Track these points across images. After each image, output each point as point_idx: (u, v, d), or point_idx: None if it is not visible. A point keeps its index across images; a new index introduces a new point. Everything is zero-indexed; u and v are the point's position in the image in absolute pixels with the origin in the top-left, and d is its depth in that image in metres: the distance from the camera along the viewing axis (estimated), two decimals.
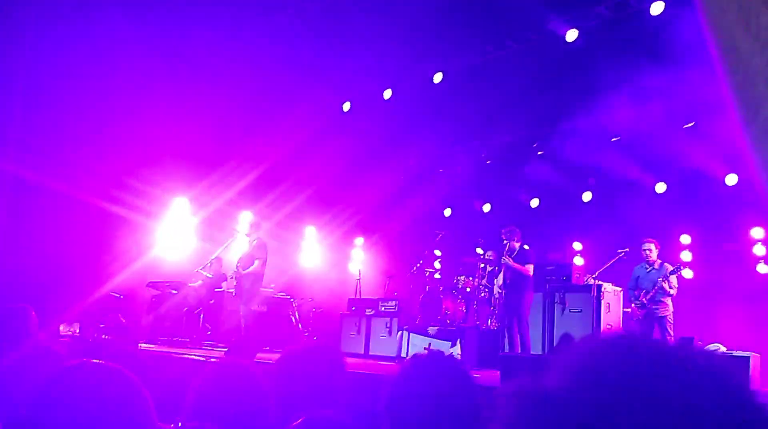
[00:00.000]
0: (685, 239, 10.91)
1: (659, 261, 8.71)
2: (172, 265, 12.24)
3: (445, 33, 10.36)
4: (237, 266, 9.95)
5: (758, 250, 10.19)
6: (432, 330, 10.04)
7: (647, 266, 8.70)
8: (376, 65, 11.39)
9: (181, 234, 12.81)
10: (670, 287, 8.38)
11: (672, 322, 8.42)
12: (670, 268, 8.48)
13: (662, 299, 8.43)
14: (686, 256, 10.66)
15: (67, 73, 9.92)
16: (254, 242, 10.04)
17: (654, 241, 8.81)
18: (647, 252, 8.69)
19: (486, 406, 2.12)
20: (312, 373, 2.52)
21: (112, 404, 1.52)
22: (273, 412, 2.40)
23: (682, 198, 10.93)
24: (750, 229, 10.25)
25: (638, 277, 8.76)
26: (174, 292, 11.17)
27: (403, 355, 9.58)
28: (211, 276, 11.08)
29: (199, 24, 10.12)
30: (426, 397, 1.99)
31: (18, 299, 4.08)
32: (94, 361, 1.63)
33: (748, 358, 8.35)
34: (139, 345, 8.12)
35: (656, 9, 8.98)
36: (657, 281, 8.43)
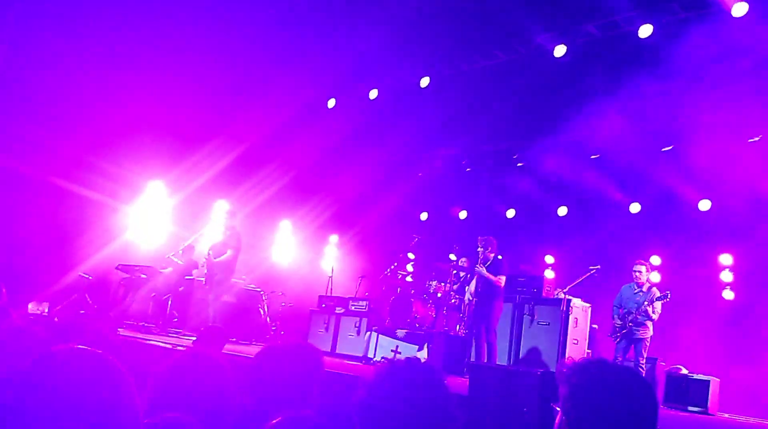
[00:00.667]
0: (656, 260, 11.07)
1: (648, 284, 8.75)
2: (144, 250, 12.11)
3: (436, 38, 10.40)
4: (209, 254, 9.88)
5: (725, 276, 10.38)
6: (400, 333, 10.07)
7: (635, 287, 8.73)
8: (363, 62, 11.38)
9: (155, 218, 12.67)
10: (653, 312, 8.46)
11: (648, 345, 8.52)
12: (658, 293, 8.52)
13: (644, 322, 8.50)
14: (655, 277, 10.81)
15: (38, 53, 9.73)
16: (228, 232, 9.98)
17: (646, 263, 8.83)
18: (637, 274, 8.70)
19: (458, 417, 2.13)
20: (290, 372, 2.51)
21: (98, 391, 1.51)
22: (249, 408, 2.39)
23: (655, 219, 11.11)
24: (719, 254, 10.43)
25: (623, 296, 8.81)
26: (143, 276, 11.05)
27: (370, 355, 9.60)
28: (182, 263, 10.98)
29: (178, 5, 9.97)
30: (401, 403, 1.99)
31: None
32: (80, 346, 1.61)
33: (708, 381, 8.52)
34: (119, 330, 8.04)
35: (644, 32, 9.11)
36: (642, 304, 8.49)
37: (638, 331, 8.50)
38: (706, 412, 8.33)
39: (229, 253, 9.78)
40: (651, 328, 8.54)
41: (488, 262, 8.93)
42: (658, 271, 10.95)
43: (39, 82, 9.93)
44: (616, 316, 8.76)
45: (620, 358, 8.48)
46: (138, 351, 7.06)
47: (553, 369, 7.36)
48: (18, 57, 9.71)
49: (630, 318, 8.53)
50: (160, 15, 9.99)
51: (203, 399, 2.25)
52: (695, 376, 8.77)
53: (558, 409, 1.95)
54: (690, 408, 8.42)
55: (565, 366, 1.97)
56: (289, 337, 11.03)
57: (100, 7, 9.58)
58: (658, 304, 8.47)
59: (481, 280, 8.91)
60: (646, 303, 8.44)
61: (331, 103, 12.90)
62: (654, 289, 8.66)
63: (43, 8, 9.38)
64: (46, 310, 8.95)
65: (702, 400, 8.41)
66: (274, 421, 2.01)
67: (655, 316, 8.47)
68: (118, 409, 1.54)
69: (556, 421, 1.95)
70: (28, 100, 10.01)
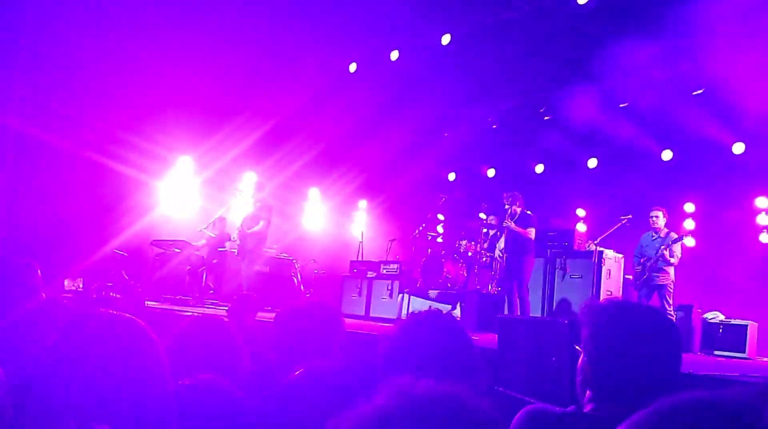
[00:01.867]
0: (689, 207, 10.88)
1: (666, 229, 8.65)
2: (176, 225, 12.27)
3: None
4: (241, 226, 9.98)
5: (762, 219, 10.17)
6: (433, 293, 10.11)
7: (653, 234, 8.66)
8: (384, 25, 11.22)
9: (186, 193, 12.81)
10: (671, 256, 8.35)
11: (672, 291, 8.41)
12: (674, 236, 8.45)
13: (663, 267, 8.40)
14: (689, 224, 10.64)
15: (69, 27, 9.81)
16: (258, 203, 10.06)
17: (662, 209, 8.72)
18: (654, 219, 8.62)
19: (483, 366, 2.14)
20: (309, 329, 2.54)
21: (127, 353, 1.54)
22: (272, 363, 2.43)
23: (687, 166, 10.88)
24: (755, 198, 10.21)
25: (643, 244, 8.73)
26: (177, 250, 11.22)
27: (404, 317, 9.67)
28: (214, 235, 11.12)
29: None
30: (423, 352, 2.00)
31: (23, 254, 4.08)
32: (109, 311, 1.64)
33: (746, 326, 8.42)
34: (145, 303, 8.19)
35: None
36: (659, 249, 8.40)
37: (658, 276, 8.40)
38: (745, 357, 8.24)
39: (261, 223, 9.87)
40: (672, 273, 8.42)
41: (516, 217, 8.87)
42: (692, 218, 10.77)
43: (70, 58, 10.02)
44: (636, 264, 8.69)
45: None
46: (175, 322, 7.20)
47: None
48: (50, 35, 9.81)
49: (649, 264, 8.44)
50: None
51: (216, 359, 2.29)
52: (733, 322, 8.67)
53: (581, 350, 1.94)
54: (728, 353, 8.34)
55: (587, 306, 1.95)
56: (318, 299, 11.16)
57: None
58: (676, 248, 8.35)
59: (511, 235, 8.86)
60: (663, 247, 8.33)
61: (353, 67, 12.78)
62: (671, 233, 8.55)
63: None
64: (81, 286, 9.17)
65: (740, 345, 8.32)
66: (297, 372, 2.03)
67: (674, 260, 8.34)
68: (146, 368, 1.57)
69: (579, 362, 1.93)
70: (59, 75, 10.12)
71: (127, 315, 1.68)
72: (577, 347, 1.99)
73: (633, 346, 1.81)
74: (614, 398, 1.80)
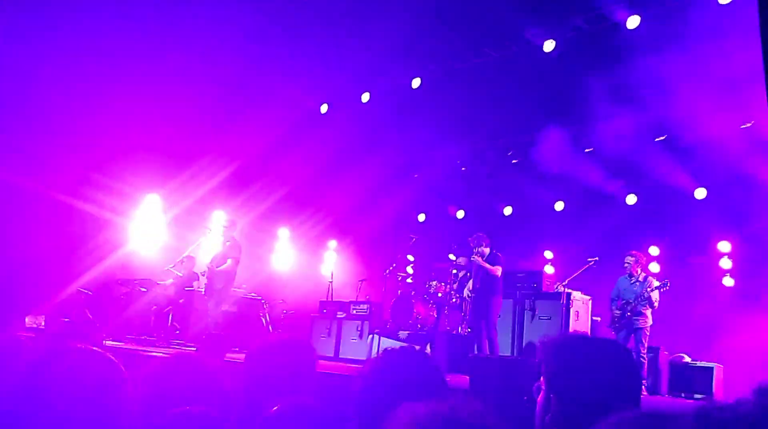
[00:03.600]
0: (654, 251, 11.08)
1: (643, 274, 8.78)
2: (142, 263, 12.10)
3: (425, 39, 10.41)
4: (210, 264, 9.89)
5: (724, 263, 10.39)
6: (403, 334, 10.06)
7: (631, 278, 8.78)
8: (354, 67, 11.39)
9: (153, 232, 12.66)
10: (655, 301, 8.47)
11: (648, 334, 8.51)
12: (656, 283, 8.52)
13: (643, 311, 8.50)
14: (654, 267, 10.83)
15: (34, 67, 9.73)
16: (228, 242, 10.01)
17: (636, 253, 8.86)
18: (626, 265, 8.77)
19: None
20: (281, 366, 2.52)
21: (95, 386, 1.52)
22: (242, 404, 2.40)
23: (651, 210, 11.13)
24: (717, 242, 10.45)
25: (621, 288, 8.83)
26: (143, 289, 11.04)
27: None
28: (182, 274, 10.98)
29: (172, 18, 9.98)
30: (397, 389, 1.99)
31: None
32: (79, 345, 1.63)
33: (712, 368, 8.53)
34: (104, 342, 8.01)
35: (632, 23, 9.12)
36: (640, 293, 8.50)
37: (638, 320, 8.50)
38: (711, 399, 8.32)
39: (229, 262, 9.81)
40: (650, 317, 8.54)
41: (485, 256, 8.94)
42: (657, 261, 10.96)
43: (35, 97, 9.93)
44: (614, 307, 8.78)
45: None
46: (139, 362, 7.04)
47: None
48: (14, 72, 9.71)
49: (629, 308, 8.54)
50: (153, 30, 10.00)
51: (191, 397, 2.26)
52: (699, 364, 8.78)
53: (540, 386, 1.95)
54: (695, 395, 8.42)
55: (543, 342, 1.97)
56: (279, 334, 11.02)
57: (95, 23, 9.59)
58: (655, 294, 8.48)
59: (479, 276, 8.91)
60: (646, 292, 8.45)
61: (324, 108, 12.90)
62: (650, 278, 8.68)
63: (38, 26, 9.38)
64: (43, 323, 8.94)
65: (707, 387, 8.41)
66: (274, 409, 2.01)
67: (656, 304, 8.47)
68: (114, 400, 1.55)
69: (539, 398, 1.93)
70: (24, 114, 10.01)
71: (96, 348, 1.67)
72: (536, 384, 2.00)
73: (592, 377, 1.82)
74: None
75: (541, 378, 1.94)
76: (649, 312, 8.52)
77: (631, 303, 8.54)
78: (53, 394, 1.47)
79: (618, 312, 8.68)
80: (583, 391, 1.81)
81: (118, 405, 1.56)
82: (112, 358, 1.64)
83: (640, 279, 8.69)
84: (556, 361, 1.89)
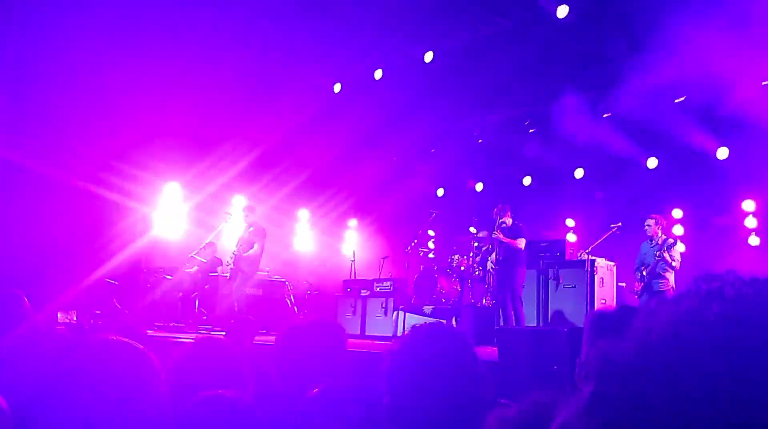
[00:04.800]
0: (677, 213, 10.97)
1: (663, 236, 8.70)
2: (166, 251, 12.22)
3: (435, 12, 10.30)
4: (237, 249, 9.96)
5: (749, 222, 10.27)
6: (427, 309, 10.09)
7: (651, 241, 8.71)
8: (367, 46, 11.32)
9: (175, 219, 12.77)
10: (673, 260, 8.37)
11: None
12: (670, 241, 8.47)
13: (663, 273, 8.42)
14: (678, 230, 10.73)
15: (56, 55, 9.80)
16: (252, 227, 10.07)
17: (656, 216, 8.77)
18: (647, 227, 8.70)
19: (487, 378, 2.13)
20: (313, 349, 2.53)
21: (127, 377, 1.54)
22: (277, 387, 2.42)
23: (673, 173, 10.99)
24: (741, 202, 10.31)
25: (643, 253, 8.77)
26: (168, 277, 11.16)
27: (399, 334, 9.63)
28: (205, 261, 11.07)
29: (190, 4, 9.99)
30: (428, 365, 1.99)
31: (10, 286, 4.06)
32: (112, 337, 1.65)
33: None
34: (145, 330, 8.15)
35: None
36: (656, 255, 8.43)
37: (659, 283, 8.43)
38: None
39: (256, 247, 9.90)
40: (672, 279, 8.45)
41: (506, 228, 8.91)
42: (681, 224, 10.85)
43: (58, 85, 10.01)
44: (638, 273, 8.72)
45: None
46: (167, 349, 7.15)
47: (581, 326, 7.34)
48: (36, 62, 9.80)
49: (647, 270, 8.47)
50: (172, 19, 10.03)
51: (220, 381, 2.28)
52: None
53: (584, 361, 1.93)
54: None
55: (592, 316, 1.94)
56: (308, 316, 11.10)
57: (116, 10, 9.64)
58: (675, 252, 8.38)
59: (502, 248, 8.89)
60: (659, 252, 8.36)
61: (337, 87, 12.85)
62: (668, 239, 8.59)
63: (59, 14, 9.43)
64: (75, 318, 9.09)
65: None
66: (314, 392, 2.02)
67: (675, 264, 8.37)
68: (145, 392, 1.57)
69: (581, 357, 1.91)
70: (47, 103, 10.10)
71: (127, 340, 1.69)
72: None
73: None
74: None
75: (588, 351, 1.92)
76: (671, 275, 8.43)
77: (650, 265, 8.48)
78: (86, 388, 1.49)
79: (639, 275, 8.64)
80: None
81: (152, 397, 1.59)
82: (144, 349, 1.66)
83: (659, 241, 8.61)
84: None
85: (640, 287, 8.61)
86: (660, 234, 8.68)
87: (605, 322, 1.89)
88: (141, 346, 1.68)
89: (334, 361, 2.55)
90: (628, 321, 1.86)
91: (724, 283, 0.74)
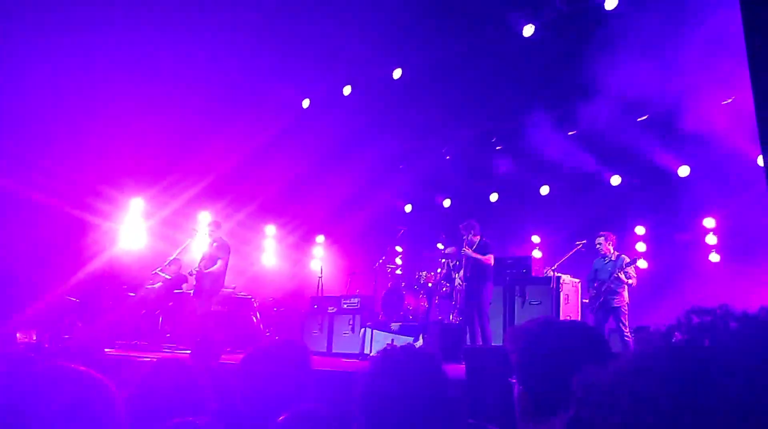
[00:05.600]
0: (640, 230, 11.16)
1: (616, 253, 8.83)
2: (129, 267, 11.99)
3: (404, 29, 10.36)
4: (199, 265, 9.84)
5: (710, 239, 10.49)
6: (395, 326, 10.06)
7: (604, 258, 8.84)
8: (336, 62, 11.33)
9: (138, 235, 12.55)
10: (628, 277, 8.50)
11: (626, 312, 8.55)
12: (627, 259, 8.61)
13: (618, 290, 8.54)
14: (641, 246, 10.91)
15: (18, 69, 9.62)
16: (215, 243, 9.96)
17: (606, 234, 8.91)
18: (598, 246, 8.84)
19: (457, 399, 2.12)
20: (277, 371, 2.49)
21: (84, 407, 1.49)
22: (243, 412, 2.37)
23: (636, 190, 11.20)
24: (702, 219, 10.53)
25: (596, 269, 8.89)
26: (132, 294, 10.95)
27: (367, 351, 9.58)
28: (170, 277, 10.90)
29: (154, 24, 9.90)
30: (401, 388, 1.97)
31: None
32: (65, 364, 1.59)
33: None
34: (105, 349, 7.95)
35: (610, 4, 9.10)
36: (613, 271, 8.55)
37: (613, 299, 8.54)
38: None
39: (219, 263, 9.79)
40: (626, 295, 8.58)
41: (474, 245, 8.96)
42: (644, 241, 11.04)
43: (20, 99, 9.80)
44: (591, 288, 8.84)
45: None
46: (131, 368, 6.99)
47: None
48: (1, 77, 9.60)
49: (603, 287, 8.58)
50: (137, 35, 9.93)
51: (182, 403, 2.24)
52: None
53: (514, 381, 1.90)
54: None
55: (509, 333, 1.93)
56: (284, 338, 10.98)
57: (80, 29, 9.49)
58: (630, 270, 8.53)
59: (470, 264, 8.93)
60: (617, 270, 8.49)
61: (306, 103, 12.83)
62: (622, 256, 8.73)
63: (24, 33, 9.28)
64: (35, 337, 8.85)
65: None
66: (282, 418, 1.99)
67: (631, 282, 8.52)
68: (103, 422, 1.52)
69: (515, 393, 1.89)
70: (9, 117, 9.88)
71: (82, 367, 1.63)
72: (510, 380, 1.93)
73: (561, 361, 1.73)
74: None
75: (513, 371, 1.89)
76: (625, 291, 8.56)
77: (605, 282, 8.59)
78: (42, 417, 1.44)
79: (594, 292, 8.74)
80: (555, 378, 1.75)
81: (109, 426, 1.54)
82: (101, 377, 1.61)
83: (612, 258, 8.75)
84: (523, 351, 1.83)
85: (596, 302, 8.69)
86: (612, 250, 8.81)
87: (519, 337, 1.88)
88: (98, 376, 1.63)
89: (299, 381, 2.51)
90: (542, 334, 1.84)
91: (716, 317, 0.75)
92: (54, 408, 1.46)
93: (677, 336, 0.76)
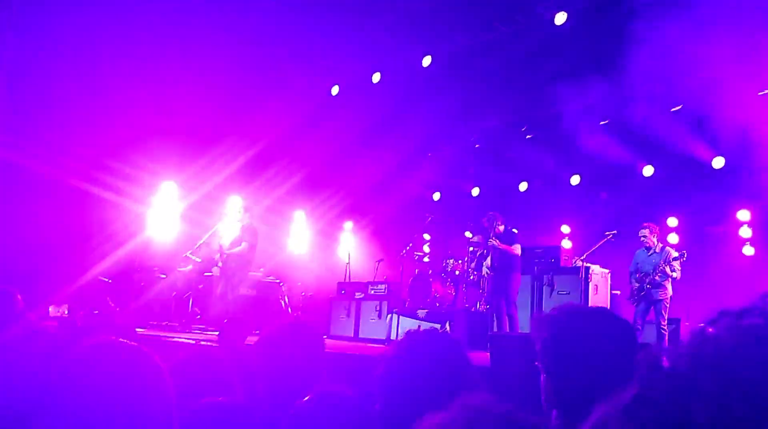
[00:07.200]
0: (672, 222, 11.00)
1: (660, 244, 8.66)
2: (160, 250, 12.18)
3: (434, 16, 10.31)
4: (225, 247, 9.95)
5: (744, 232, 10.30)
6: (421, 313, 10.09)
7: (648, 250, 8.68)
8: (365, 49, 11.32)
9: (170, 218, 12.73)
10: (673, 271, 8.36)
11: (668, 306, 8.41)
12: (674, 253, 8.42)
13: (663, 283, 8.40)
14: (673, 238, 10.75)
15: (52, 53, 9.78)
16: (243, 227, 10.06)
17: (650, 225, 8.73)
18: (642, 238, 8.65)
19: (480, 385, 2.12)
20: (290, 352, 2.52)
21: (136, 382, 1.52)
22: (261, 393, 2.41)
23: (669, 181, 11.02)
24: (736, 211, 10.34)
25: (639, 261, 8.74)
26: (163, 276, 11.12)
27: (393, 337, 9.63)
28: (200, 260, 11.04)
29: (187, 4, 9.98)
30: (422, 372, 1.99)
31: (4, 283, 4.04)
32: (118, 339, 1.63)
33: None
34: (136, 330, 8.10)
35: None
36: (658, 264, 8.40)
37: (657, 292, 8.41)
38: None
39: (244, 245, 9.86)
40: (670, 288, 8.44)
41: (500, 236, 8.91)
42: (676, 232, 10.88)
43: (53, 83, 9.98)
44: (633, 280, 8.69)
45: (639, 321, 8.39)
46: (161, 348, 7.13)
47: None
48: (31, 59, 9.78)
49: (648, 280, 8.45)
50: (168, 18, 10.02)
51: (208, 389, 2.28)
52: None
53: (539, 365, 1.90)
54: None
55: (534, 320, 1.92)
56: (297, 318, 11.06)
57: (111, 11, 9.63)
58: (676, 264, 8.38)
59: (497, 253, 8.89)
60: (663, 263, 8.36)
61: (335, 90, 12.85)
62: (668, 249, 8.57)
63: (54, 14, 9.43)
64: (66, 312, 9.06)
65: None
66: (306, 398, 2.01)
67: (675, 275, 8.36)
68: (154, 397, 1.55)
69: (542, 379, 1.89)
70: (41, 101, 10.07)
71: (132, 342, 1.67)
72: (537, 363, 1.93)
73: (587, 350, 1.74)
74: (579, 413, 1.60)
75: (538, 358, 1.89)
76: (668, 283, 8.42)
77: (650, 275, 8.45)
78: (89, 390, 1.48)
79: (637, 285, 8.60)
80: (578, 366, 1.75)
81: (160, 400, 1.57)
82: (150, 352, 1.65)
83: (657, 250, 8.59)
84: (547, 339, 1.83)
85: (638, 294, 8.56)
86: (656, 242, 8.66)
87: (543, 324, 1.87)
88: (147, 350, 1.67)
89: (312, 362, 2.54)
90: (567, 322, 1.83)
91: None
92: (106, 381, 1.50)
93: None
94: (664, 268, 8.33)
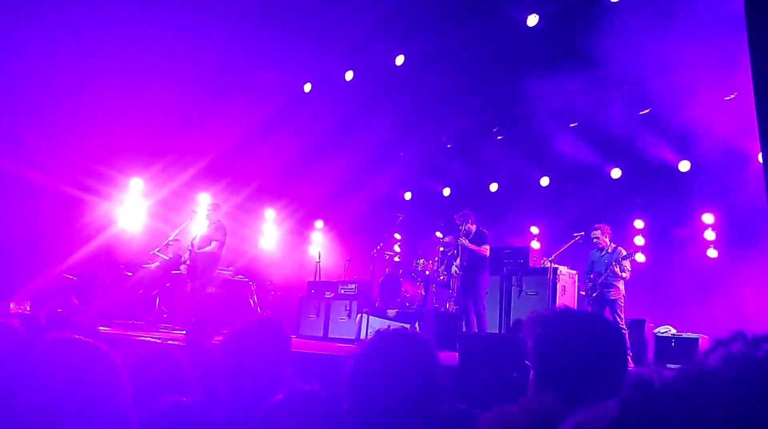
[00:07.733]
0: (639, 224, 11.16)
1: (612, 245, 8.82)
2: (128, 247, 12.01)
3: (405, 15, 10.31)
4: (192, 245, 9.84)
5: (708, 235, 10.49)
6: (391, 312, 10.10)
7: (600, 251, 8.83)
8: (336, 47, 11.28)
9: (138, 215, 12.56)
10: (622, 271, 8.49)
11: (622, 305, 8.53)
12: (623, 252, 8.59)
13: (614, 283, 8.53)
14: (639, 240, 10.91)
15: (18, 51, 9.58)
16: (212, 225, 9.96)
17: (601, 226, 8.89)
18: (595, 239, 8.83)
19: (447, 384, 2.13)
20: (255, 349, 2.50)
21: (90, 380, 1.49)
22: (224, 390, 2.38)
23: (636, 183, 11.19)
24: (701, 214, 10.53)
25: (593, 261, 8.89)
26: (129, 274, 10.97)
27: (362, 337, 9.61)
28: (167, 258, 10.91)
29: (153, 3, 9.84)
30: (391, 370, 1.98)
31: None
32: (74, 336, 1.60)
33: (697, 339, 8.64)
34: (99, 328, 7.96)
35: None
36: (610, 265, 8.54)
37: (609, 292, 8.53)
38: None
39: (213, 244, 9.77)
40: (622, 288, 8.56)
41: (471, 235, 8.96)
42: (642, 234, 11.04)
43: (18, 80, 9.77)
44: (587, 281, 8.84)
45: None
46: (125, 347, 7.01)
47: None
48: (4, 61, 9.57)
49: (600, 280, 8.58)
50: (136, 15, 9.86)
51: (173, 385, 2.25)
52: (684, 335, 8.88)
53: (529, 364, 1.93)
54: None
55: (528, 319, 1.95)
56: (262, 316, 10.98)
57: (75, 12, 9.45)
58: (626, 263, 8.52)
59: (466, 253, 8.94)
60: (613, 263, 8.49)
61: (307, 87, 12.79)
62: (619, 248, 8.72)
63: (23, 16, 9.24)
64: (28, 308, 8.88)
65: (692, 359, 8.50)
66: (279, 397, 1.99)
67: (625, 275, 8.49)
68: (109, 395, 1.52)
69: (531, 376, 1.92)
70: (7, 97, 9.85)
71: (89, 340, 1.64)
72: (526, 362, 1.98)
73: (578, 351, 1.79)
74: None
75: (529, 356, 1.92)
76: (621, 283, 8.54)
77: (602, 275, 8.59)
78: (48, 388, 1.45)
79: (590, 284, 8.75)
80: (568, 365, 1.79)
81: (115, 399, 1.54)
82: (108, 350, 1.62)
83: (609, 250, 8.74)
84: (539, 337, 1.87)
85: (592, 295, 8.70)
86: (609, 243, 8.81)
87: (536, 323, 1.91)
88: (104, 347, 1.64)
89: (278, 359, 2.51)
90: (559, 323, 1.86)
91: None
92: (61, 377, 1.46)
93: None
94: (614, 268, 8.46)
